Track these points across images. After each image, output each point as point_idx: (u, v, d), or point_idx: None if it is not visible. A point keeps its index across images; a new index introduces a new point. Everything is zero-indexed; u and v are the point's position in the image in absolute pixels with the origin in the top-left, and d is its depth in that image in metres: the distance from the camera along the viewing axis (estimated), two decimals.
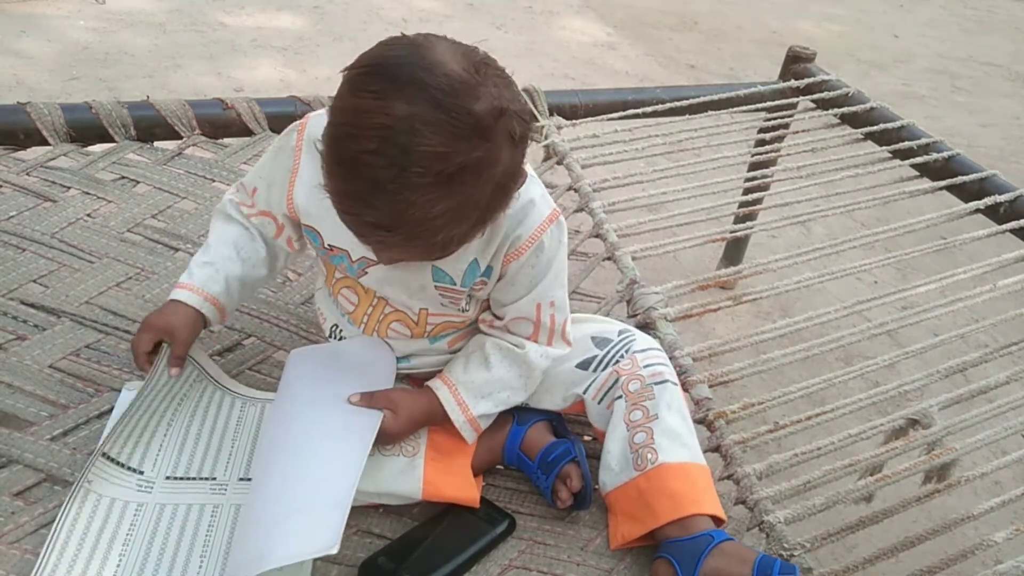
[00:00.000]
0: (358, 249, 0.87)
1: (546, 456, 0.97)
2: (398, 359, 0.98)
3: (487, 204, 0.74)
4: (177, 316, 0.94)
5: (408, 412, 0.92)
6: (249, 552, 0.79)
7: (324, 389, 0.93)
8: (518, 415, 1.02)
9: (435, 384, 0.95)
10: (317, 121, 0.89)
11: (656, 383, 0.99)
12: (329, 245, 0.90)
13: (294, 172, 0.90)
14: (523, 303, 0.92)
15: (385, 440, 0.91)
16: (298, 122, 0.92)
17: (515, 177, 0.76)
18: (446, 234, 0.72)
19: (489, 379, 0.94)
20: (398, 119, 0.66)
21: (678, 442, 0.95)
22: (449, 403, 0.93)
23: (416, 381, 1.00)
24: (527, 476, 1.01)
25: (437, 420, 0.94)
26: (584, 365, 1.01)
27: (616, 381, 0.99)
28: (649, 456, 0.93)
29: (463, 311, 0.94)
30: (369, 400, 0.91)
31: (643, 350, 1.02)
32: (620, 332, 1.04)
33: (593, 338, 1.03)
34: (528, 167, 0.87)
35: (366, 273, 0.91)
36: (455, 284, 0.89)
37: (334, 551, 0.74)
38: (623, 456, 0.96)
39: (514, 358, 0.95)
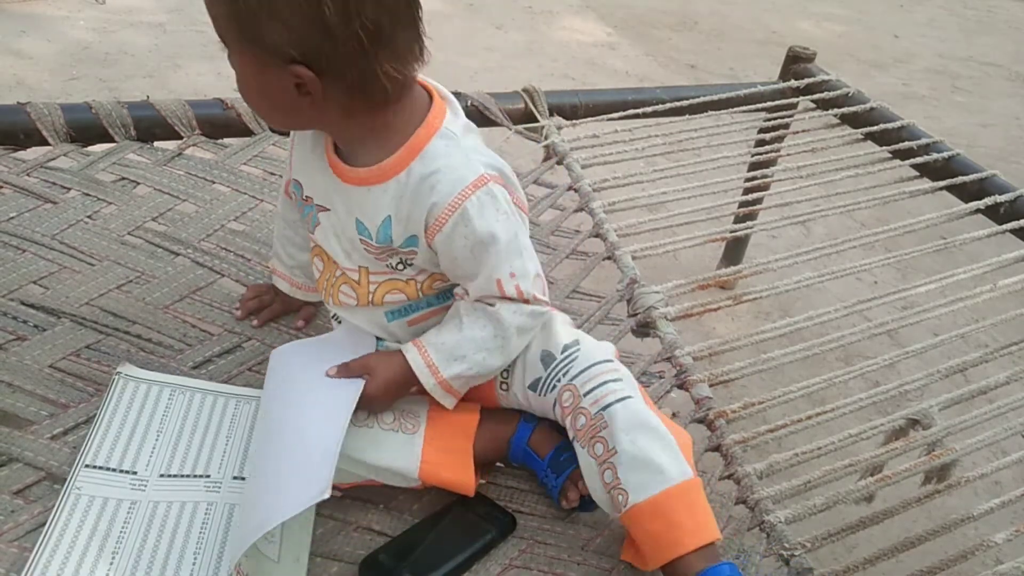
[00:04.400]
0: (308, 186, 0.94)
1: (558, 456, 0.96)
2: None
3: None
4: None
5: (385, 376, 0.91)
6: (252, 522, 0.81)
7: (306, 372, 0.95)
8: (525, 413, 1.00)
9: (406, 347, 0.93)
10: None
11: (604, 408, 0.88)
12: (306, 196, 0.95)
13: (292, 140, 0.98)
14: (480, 282, 0.89)
15: (368, 405, 0.91)
16: None
17: None
18: None
19: (461, 340, 0.91)
20: None
21: (647, 471, 0.86)
22: (417, 364, 0.91)
23: None
24: (529, 474, 1.01)
25: (414, 382, 0.92)
26: (533, 386, 0.96)
27: (565, 425, 0.93)
28: (620, 498, 0.87)
29: (394, 268, 0.93)
30: (346, 370, 0.92)
31: (582, 371, 0.92)
32: (564, 348, 0.94)
33: (542, 354, 0.96)
34: (471, 139, 0.89)
35: (319, 224, 0.94)
36: (372, 239, 0.90)
37: (326, 496, 0.79)
38: (603, 497, 0.90)
39: (487, 316, 0.90)
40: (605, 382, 0.90)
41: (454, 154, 0.86)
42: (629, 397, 0.89)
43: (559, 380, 0.93)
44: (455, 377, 0.91)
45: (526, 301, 0.90)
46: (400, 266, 0.93)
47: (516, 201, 0.91)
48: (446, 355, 0.91)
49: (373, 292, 0.94)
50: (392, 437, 0.92)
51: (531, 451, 0.98)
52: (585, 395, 0.90)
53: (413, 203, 0.86)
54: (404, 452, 0.92)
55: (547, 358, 0.95)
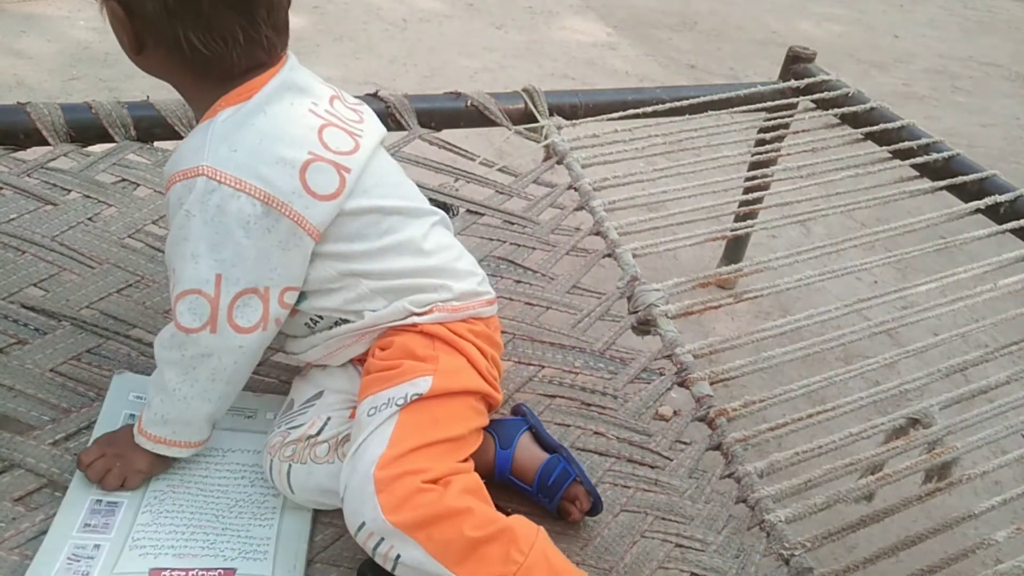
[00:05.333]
0: None
1: (544, 480, 0.94)
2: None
3: None
4: None
5: (119, 452, 0.90)
6: None
7: None
8: (499, 436, 0.97)
9: None
10: None
11: (392, 568, 0.80)
12: None
13: None
14: None
15: (82, 465, 0.89)
16: None
17: None
18: None
19: (151, 381, 0.89)
20: None
21: None
22: (138, 416, 0.90)
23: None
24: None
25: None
26: None
27: None
28: None
29: None
30: None
31: (355, 536, 0.81)
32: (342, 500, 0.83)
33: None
34: (248, 132, 0.81)
35: None
36: None
37: None
38: None
39: None
40: (374, 550, 0.80)
41: (194, 140, 0.84)
42: (399, 556, 0.79)
43: None
44: (151, 423, 0.88)
45: (174, 316, 0.83)
46: None
47: (289, 215, 0.82)
48: (147, 401, 0.89)
49: None
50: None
51: (516, 480, 0.95)
52: (374, 558, 0.82)
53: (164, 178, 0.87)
54: None
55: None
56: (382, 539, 0.79)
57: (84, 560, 0.83)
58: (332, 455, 0.90)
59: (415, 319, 0.91)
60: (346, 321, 0.92)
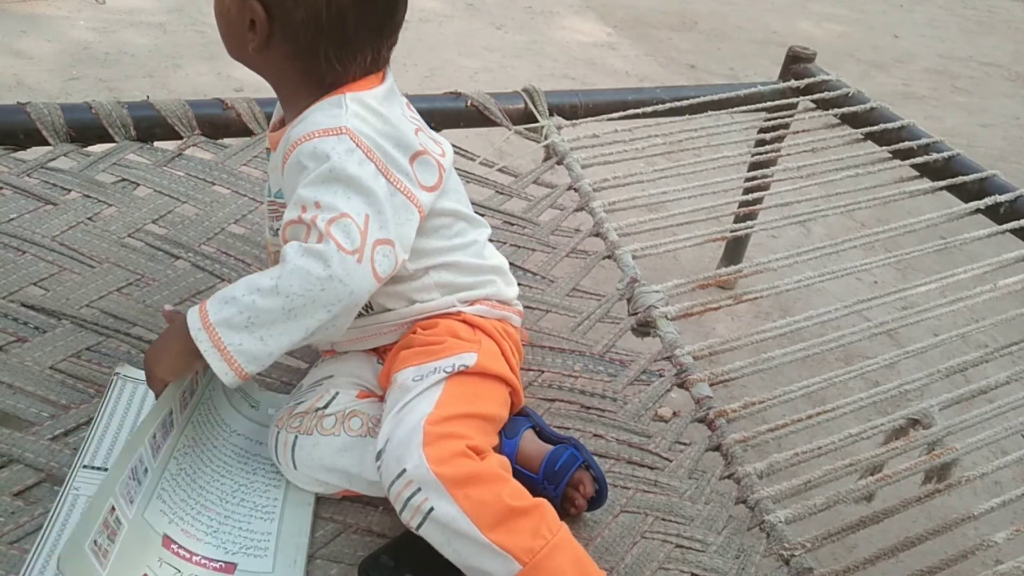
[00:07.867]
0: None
1: (551, 466, 0.94)
2: None
3: None
4: None
5: (164, 336, 0.87)
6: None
7: None
8: (504, 428, 0.97)
9: None
10: None
11: (417, 528, 0.81)
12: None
13: None
14: (290, 203, 0.84)
15: (147, 368, 0.86)
16: None
17: None
18: None
19: (239, 283, 0.81)
20: None
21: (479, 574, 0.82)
22: (193, 311, 0.81)
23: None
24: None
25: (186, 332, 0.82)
26: None
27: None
28: None
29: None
30: None
31: (388, 490, 0.82)
32: (377, 455, 0.84)
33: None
34: (370, 112, 0.87)
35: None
36: (271, 195, 0.95)
37: None
38: None
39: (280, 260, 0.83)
40: (407, 501, 0.80)
41: (327, 109, 0.87)
42: (431, 510, 0.79)
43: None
44: (224, 323, 0.79)
45: (319, 237, 0.80)
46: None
47: (403, 190, 0.88)
48: (220, 298, 0.81)
49: (274, 252, 0.94)
50: (360, 443, 0.90)
51: (522, 468, 0.95)
52: (401, 513, 0.82)
53: (283, 147, 0.88)
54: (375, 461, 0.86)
55: None
56: (419, 489, 0.80)
57: (136, 481, 0.82)
58: (339, 427, 0.91)
59: (460, 307, 0.97)
60: (391, 309, 0.95)
